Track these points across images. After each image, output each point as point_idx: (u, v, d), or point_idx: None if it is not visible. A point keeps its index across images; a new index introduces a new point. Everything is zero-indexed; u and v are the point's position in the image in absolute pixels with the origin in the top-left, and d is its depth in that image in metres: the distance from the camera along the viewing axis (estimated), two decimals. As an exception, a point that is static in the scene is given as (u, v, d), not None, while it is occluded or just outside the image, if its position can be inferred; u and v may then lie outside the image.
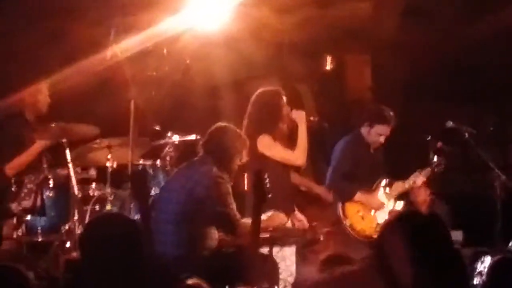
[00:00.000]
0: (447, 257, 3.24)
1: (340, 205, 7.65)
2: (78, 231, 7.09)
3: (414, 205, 8.01)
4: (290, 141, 6.97)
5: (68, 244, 7.21)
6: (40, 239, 7.37)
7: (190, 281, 4.15)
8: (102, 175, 7.78)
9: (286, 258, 6.65)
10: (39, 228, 7.38)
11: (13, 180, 7.27)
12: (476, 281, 7.21)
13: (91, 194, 7.70)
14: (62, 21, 8.16)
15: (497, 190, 7.83)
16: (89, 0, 8.33)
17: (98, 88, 8.42)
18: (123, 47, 7.51)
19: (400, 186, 7.85)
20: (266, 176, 5.42)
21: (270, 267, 6.10)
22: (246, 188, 6.72)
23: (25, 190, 7.11)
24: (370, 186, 7.77)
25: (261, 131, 6.79)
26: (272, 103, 6.89)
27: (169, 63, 8.70)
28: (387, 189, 7.81)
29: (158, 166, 7.96)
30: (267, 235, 6.05)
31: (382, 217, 7.62)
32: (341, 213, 7.63)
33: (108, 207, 7.54)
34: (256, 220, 5.27)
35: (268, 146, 6.79)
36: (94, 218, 4.48)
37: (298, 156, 6.88)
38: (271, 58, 9.35)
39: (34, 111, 7.78)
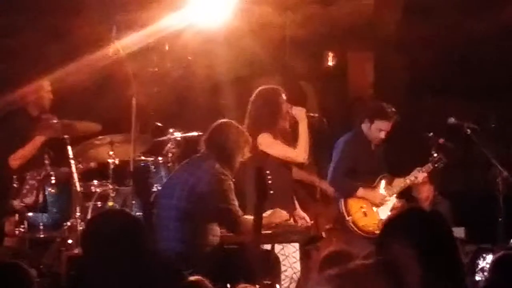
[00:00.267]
0: (449, 253, 3.24)
1: (342, 201, 7.66)
2: (80, 227, 7.09)
3: (417, 201, 8.02)
4: (292, 138, 6.97)
5: (70, 241, 7.20)
6: (42, 236, 7.36)
7: (192, 278, 4.16)
8: (104, 171, 7.78)
9: (290, 256, 6.65)
10: (41, 224, 7.37)
11: (15, 177, 7.28)
12: (478, 277, 7.23)
13: (93, 190, 7.70)
14: (64, 18, 8.17)
15: (499, 186, 7.83)
16: (91, -3, 8.34)
17: (100, 85, 8.43)
18: (125, 44, 7.51)
19: (401, 182, 7.85)
20: (267, 172, 5.43)
21: (272, 264, 6.10)
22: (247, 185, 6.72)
23: (27, 187, 7.12)
24: (371, 183, 7.77)
25: (261, 129, 6.80)
26: (272, 101, 6.90)
27: (171, 60, 8.71)
28: (389, 186, 7.81)
29: (160, 162, 7.96)
30: (269, 232, 6.06)
31: (384, 213, 7.62)
32: (343, 210, 7.64)
33: (110, 203, 7.53)
34: (258, 217, 5.27)
35: (268, 144, 6.80)
36: (96, 214, 4.48)
37: (299, 153, 6.89)
38: (273, 55, 9.35)
39: (37, 107, 7.81)
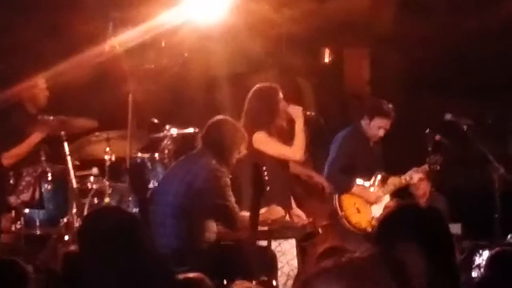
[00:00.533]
0: (446, 249, 3.24)
1: (336, 197, 7.66)
2: (77, 224, 7.09)
3: (414, 198, 8.02)
4: (289, 137, 6.96)
5: (66, 237, 7.21)
6: (38, 232, 7.36)
7: (191, 274, 4.16)
8: (101, 168, 7.78)
9: (286, 252, 6.64)
10: (37, 221, 7.37)
11: (11, 173, 7.27)
12: (474, 274, 7.22)
13: (90, 187, 7.69)
14: (60, 15, 8.15)
15: (496, 182, 7.83)
16: (87, -7, 8.32)
17: (96, 81, 8.41)
18: (121, 40, 7.51)
19: (396, 181, 7.86)
20: (264, 169, 5.42)
21: (269, 260, 6.09)
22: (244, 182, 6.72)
23: (24, 183, 7.12)
24: (367, 180, 7.77)
25: (258, 127, 6.78)
26: (268, 99, 6.88)
27: (168, 56, 8.69)
28: (383, 184, 7.81)
29: (157, 159, 7.95)
30: (266, 228, 6.06)
31: (377, 211, 7.63)
32: (337, 205, 7.64)
33: (106, 200, 7.53)
34: (255, 213, 5.28)
35: (264, 143, 6.78)
36: (92, 211, 4.49)
37: (295, 151, 6.86)
38: (270, 51, 9.34)
39: (34, 104, 7.80)
